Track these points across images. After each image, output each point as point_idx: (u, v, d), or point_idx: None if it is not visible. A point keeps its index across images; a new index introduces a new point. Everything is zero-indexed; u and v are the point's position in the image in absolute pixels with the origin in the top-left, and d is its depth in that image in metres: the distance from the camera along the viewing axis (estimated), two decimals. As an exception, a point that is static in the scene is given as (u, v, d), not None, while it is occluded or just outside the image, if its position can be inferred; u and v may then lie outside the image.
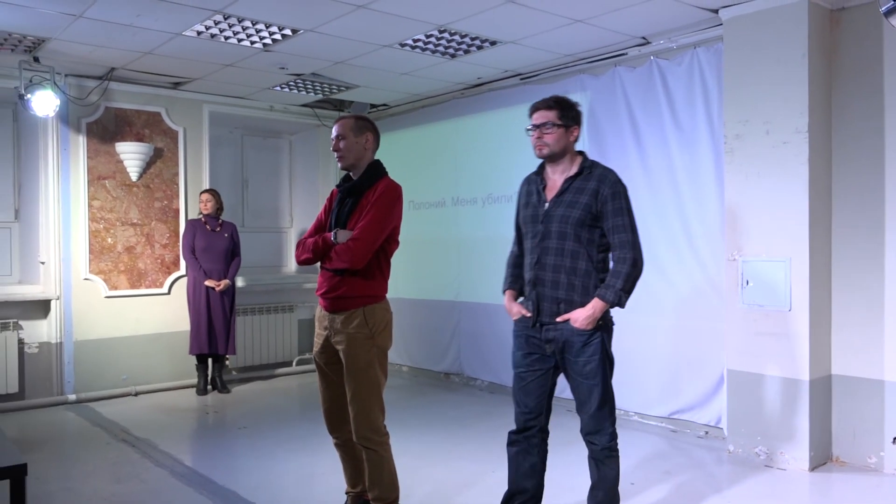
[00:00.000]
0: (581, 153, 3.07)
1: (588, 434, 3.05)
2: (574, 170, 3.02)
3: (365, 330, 3.09)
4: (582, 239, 2.94)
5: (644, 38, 5.12)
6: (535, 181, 3.12)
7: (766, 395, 4.36)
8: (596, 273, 2.96)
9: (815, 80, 4.21)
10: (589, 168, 3.01)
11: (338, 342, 3.13)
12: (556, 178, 3.05)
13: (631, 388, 5.32)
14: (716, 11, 4.54)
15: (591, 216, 2.93)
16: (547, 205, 3.02)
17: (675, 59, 5.08)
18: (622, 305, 2.92)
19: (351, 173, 3.24)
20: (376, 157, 3.27)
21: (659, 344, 5.17)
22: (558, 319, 2.94)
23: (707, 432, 4.95)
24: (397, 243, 3.22)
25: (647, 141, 5.26)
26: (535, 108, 3.04)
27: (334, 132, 3.18)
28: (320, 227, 3.26)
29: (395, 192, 3.15)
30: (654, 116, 5.20)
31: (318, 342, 3.25)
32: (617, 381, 5.36)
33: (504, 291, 3.21)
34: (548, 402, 3.12)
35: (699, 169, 4.94)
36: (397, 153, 7.41)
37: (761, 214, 4.36)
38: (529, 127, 3.03)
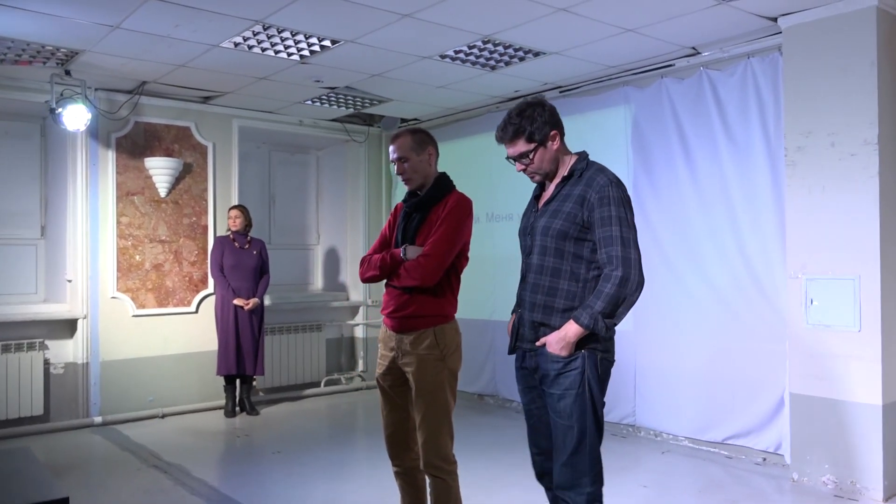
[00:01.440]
0: (580, 153, 2.68)
1: (559, 489, 2.55)
2: (565, 172, 2.64)
3: (436, 351, 2.92)
4: (565, 254, 2.54)
5: (694, 48, 4.94)
6: (537, 187, 2.79)
7: (834, 420, 4.13)
8: (585, 294, 2.54)
9: (885, 90, 4.02)
10: (581, 170, 2.60)
11: (406, 364, 2.96)
12: (552, 184, 2.70)
13: (681, 412, 5.11)
14: (774, 20, 4.37)
15: (576, 227, 2.52)
16: (536, 214, 2.68)
17: (726, 70, 4.90)
18: (601, 332, 2.45)
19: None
20: (443, 167, 3.11)
21: (712, 365, 4.94)
22: (537, 344, 2.59)
23: (765, 459, 4.71)
24: (467, 259, 3.05)
25: (697, 155, 5.06)
26: (499, 141, 2.66)
27: (394, 154, 3.02)
28: (384, 244, 3.09)
29: (466, 206, 2.99)
30: (705, 129, 5.01)
31: (382, 364, 3.07)
32: (666, 405, 5.26)
33: (512, 314, 2.85)
34: None
35: (755, 183, 4.74)
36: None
37: (827, 230, 4.15)
38: (508, 157, 2.69)
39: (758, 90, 4.73)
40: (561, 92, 5.96)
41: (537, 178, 2.68)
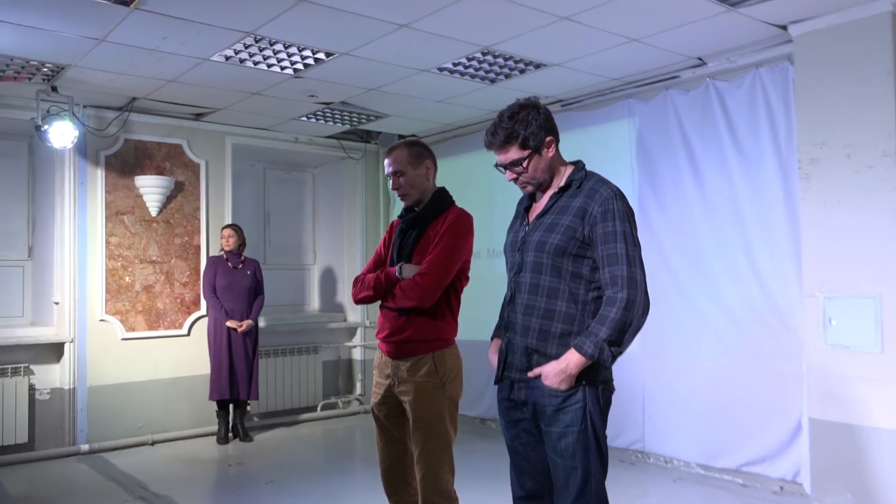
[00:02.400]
0: (576, 162, 2.46)
1: None
2: (562, 183, 2.41)
3: (435, 378, 2.73)
4: (563, 272, 2.29)
5: (700, 58, 4.78)
6: (524, 199, 2.54)
7: (856, 447, 3.91)
8: (584, 318, 2.31)
9: (903, 99, 3.84)
10: (579, 181, 2.37)
11: (403, 392, 2.76)
12: (544, 195, 2.46)
13: (693, 437, 4.88)
14: (784, 28, 4.21)
15: (575, 243, 2.28)
16: (527, 228, 2.43)
17: (734, 81, 4.74)
18: (606, 362, 2.22)
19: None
20: (440, 185, 2.93)
21: (725, 388, 4.72)
22: (529, 375, 2.33)
23: (782, 487, 4.48)
24: (468, 279, 2.85)
25: (705, 169, 4.88)
26: (488, 147, 2.42)
27: (389, 168, 2.84)
28: (379, 262, 2.90)
29: (466, 222, 2.81)
30: (713, 142, 4.84)
31: (377, 392, 2.87)
32: (677, 430, 5.02)
33: (492, 339, 2.59)
34: (549, 481, 2.39)
35: (766, 198, 4.55)
36: (427, 186, 7.09)
37: (845, 245, 3.96)
38: (496, 165, 2.45)
39: (767, 101, 4.56)
40: (563, 106, 5.80)
41: (529, 188, 2.44)
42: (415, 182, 2.83)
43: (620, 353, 2.27)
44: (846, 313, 3.94)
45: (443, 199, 2.86)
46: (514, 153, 2.36)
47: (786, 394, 4.41)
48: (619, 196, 2.33)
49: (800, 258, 4.28)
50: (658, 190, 5.15)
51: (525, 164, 2.38)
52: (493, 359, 2.52)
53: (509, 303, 2.45)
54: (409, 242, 2.81)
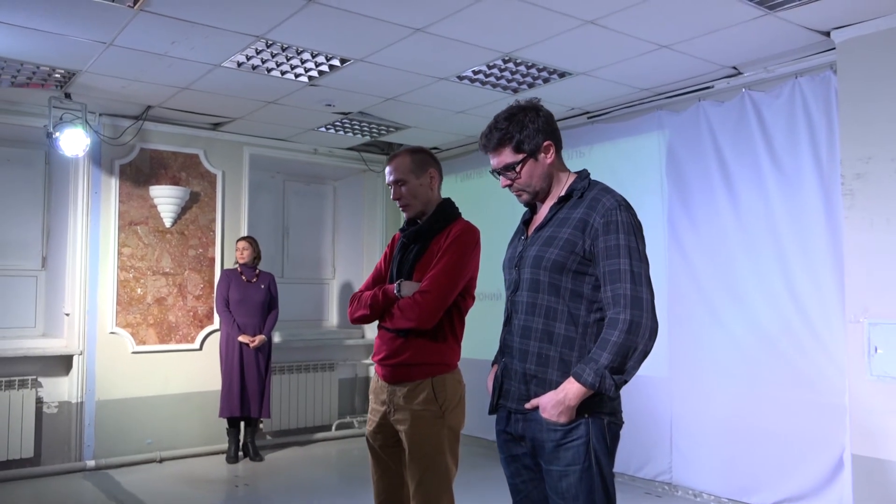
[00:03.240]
0: (580, 172, 2.24)
1: None
2: (562, 192, 2.20)
3: (433, 406, 2.50)
4: (562, 291, 2.08)
5: (735, 67, 4.52)
6: (527, 212, 2.34)
7: (905, 488, 3.58)
8: (585, 341, 2.08)
9: (958, 109, 3.54)
10: (581, 190, 2.16)
11: (399, 421, 2.53)
12: (544, 206, 2.25)
13: (725, 470, 4.57)
14: (827, 34, 3.93)
15: (575, 258, 2.07)
16: (525, 242, 2.23)
17: (771, 91, 4.46)
18: (609, 392, 1.98)
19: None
20: (445, 196, 2.71)
21: (759, 418, 4.40)
22: (526, 406, 2.10)
23: (822, 528, 4.14)
24: (473, 298, 2.64)
25: (739, 185, 4.60)
26: (483, 149, 2.24)
27: (390, 176, 2.63)
28: (379, 279, 2.69)
29: (472, 236, 2.59)
30: (748, 156, 4.55)
31: (372, 420, 2.64)
32: (707, 461, 4.67)
33: (492, 364, 2.34)
34: None
35: (806, 215, 4.25)
36: (449, 199, 6.88)
37: (893, 267, 3.64)
38: (492, 171, 2.27)
39: (808, 113, 4.27)
40: (589, 118, 5.56)
41: (524, 196, 2.23)
42: (417, 192, 2.62)
43: (625, 381, 2.02)
44: (893, 341, 3.62)
45: (447, 210, 2.64)
46: (507, 156, 2.18)
47: (826, 427, 4.09)
48: (624, 206, 2.10)
49: (842, 281, 3.97)
50: (689, 207, 4.87)
51: (518, 169, 2.18)
52: (490, 385, 2.29)
53: (506, 324, 2.24)
54: (409, 258, 2.59)
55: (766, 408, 4.38)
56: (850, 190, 3.83)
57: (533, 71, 4.60)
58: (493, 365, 2.33)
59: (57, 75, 4.73)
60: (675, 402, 4.85)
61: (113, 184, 5.76)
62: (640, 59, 4.34)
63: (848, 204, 3.84)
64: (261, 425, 6.23)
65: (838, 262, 4.03)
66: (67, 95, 5.14)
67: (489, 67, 4.53)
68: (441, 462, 2.50)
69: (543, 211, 2.24)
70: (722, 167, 4.69)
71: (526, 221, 2.33)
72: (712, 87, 4.77)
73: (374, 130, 6.26)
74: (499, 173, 2.24)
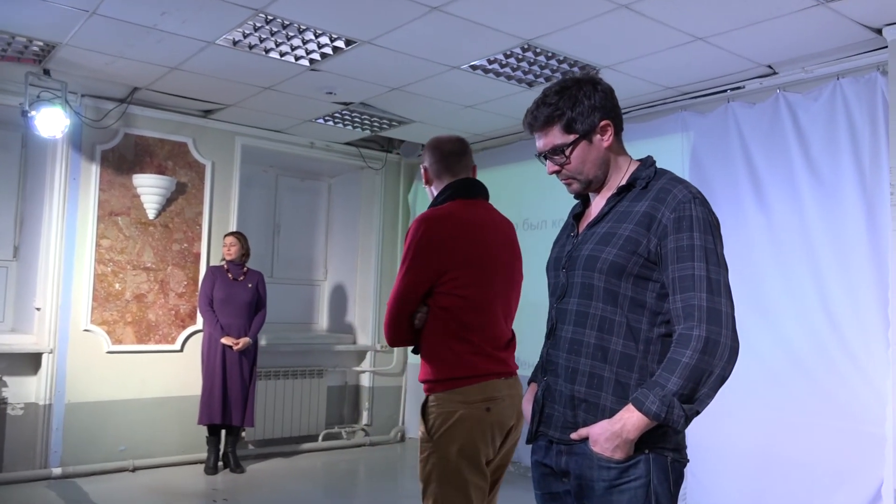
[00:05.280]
0: (644, 159, 1.91)
1: None
2: (623, 181, 1.86)
3: (423, 429, 2.30)
4: (620, 299, 1.75)
5: (770, 66, 4.20)
6: (578, 205, 2.01)
7: (957, 531, 3.24)
8: (647, 362, 1.74)
9: None
10: (646, 179, 1.81)
11: None
12: (600, 198, 1.91)
13: (744, 499, 4.22)
14: (879, 31, 3.62)
15: (638, 260, 1.74)
16: (576, 240, 1.89)
17: (809, 93, 4.14)
18: (677, 425, 1.65)
19: None
20: (453, 180, 2.56)
21: (787, 446, 4.06)
22: (573, 436, 1.76)
23: (854, 568, 3.80)
24: (462, 298, 2.34)
25: (770, 193, 4.27)
26: (528, 128, 1.91)
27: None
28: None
29: (417, 231, 2.35)
30: (781, 163, 4.22)
31: None
32: (726, 489, 4.31)
33: (529, 383, 2.01)
34: None
35: (845, 228, 3.92)
36: (451, 201, 6.52)
37: (949, 288, 3.33)
38: (538, 154, 1.93)
39: (849, 116, 3.95)
40: (606, 117, 5.22)
41: (575, 185, 1.90)
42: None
43: (696, 412, 1.67)
44: (948, 369, 3.30)
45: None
46: (556, 136, 1.84)
47: (863, 457, 3.75)
48: (700, 200, 1.76)
49: (884, 300, 3.66)
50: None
51: (568, 153, 1.84)
52: (528, 409, 1.93)
53: (549, 336, 1.88)
54: None
55: (793, 435, 4.04)
56: (900, 201, 3.52)
57: (552, 63, 4.26)
58: (529, 384, 1.97)
59: (35, 48, 4.34)
60: (693, 424, 4.49)
61: (93, 170, 5.35)
62: (671, 53, 4.01)
63: (897, 216, 3.53)
64: (243, 434, 5.83)
65: (881, 280, 3.71)
66: (46, 72, 4.74)
67: (506, 56, 4.18)
68: (431, 494, 2.23)
69: (599, 203, 1.89)
70: (751, 174, 4.36)
71: (577, 216, 1.97)
72: (743, 87, 4.45)
73: (376, 124, 5.90)
74: (545, 157, 1.89)
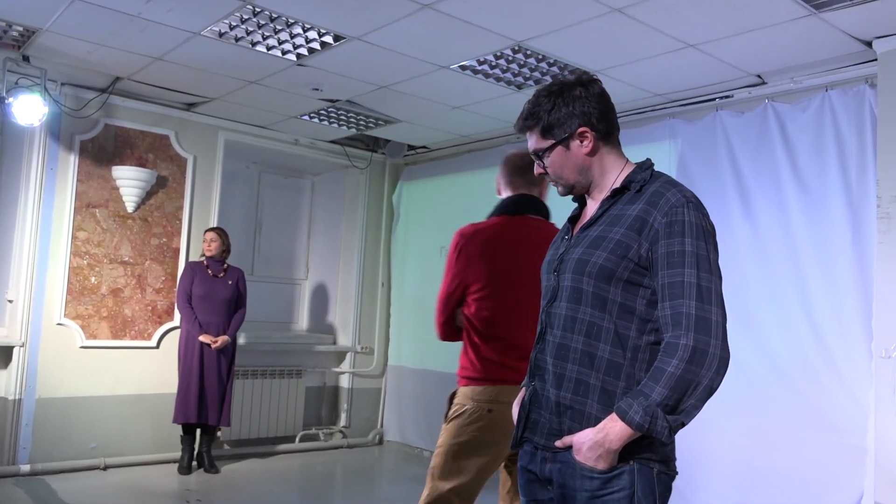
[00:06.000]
0: (642, 162, 1.85)
1: None
2: (617, 184, 1.81)
3: (445, 413, 2.70)
4: (609, 304, 1.70)
5: (759, 76, 4.20)
6: (575, 208, 1.97)
7: (935, 545, 3.24)
8: (634, 370, 1.70)
9: None
10: (641, 182, 1.76)
11: None
12: (593, 201, 1.87)
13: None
14: (868, 44, 3.63)
15: (628, 264, 1.69)
16: (570, 242, 1.85)
17: (798, 104, 4.14)
18: (662, 436, 1.60)
19: None
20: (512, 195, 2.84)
21: (768, 457, 4.05)
22: (557, 444, 1.73)
23: (832, 581, 3.79)
24: (477, 305, 2.65)
25: (757, 203, 4.26)
26: (515, 127, 1.94)
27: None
28: None
29: (453, 242, 2.73)
30: (768, 173, 4.22)
31: None
32: (706, 500, 4.35)
33: (522, 386, 1.95)
34: None
35: (830, 239, 3.92)
36: (436, 204, 6.48)
37: (933, 301, 3.33)
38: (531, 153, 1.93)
39: (837, 129, 3.96)
40: (594, 123, 5.20)
41: (560, 188, 1.90)
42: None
43: (682, 424, 1.62)
44: (930, 382, 3.30)
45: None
46: (535, 141, 1.86)
47: (843, 470, 3.75)
48: (694, 204, 1.71)
49: (868, 312, 3.66)
50: (700, 223, 4.53)
51: (545, 158, 1.85)
52: (516, 412, 1.89)
53: (538, 341, 1.83)
54: None
55: (775, 446, 4.03)
56: (886, 213, 3.52)
57: (542, 65, 4.23)
58: (521, 387, 1.93)
59: (14, 33, 4.23)
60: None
61: (72, 160, 5.24)
62: (661, 59, 3.99)
63: (883, 228, 3.53)
64: (218, 434, 5.73)
65: (865, 292, 3.72)
66: (25, 58, 4.63)
67: (496, 57, 4.15)
68: (437, 465, 2.62)
69: (593, 206, 1.85)
70: (738, 182, 4.36)
71: (573, 219, 1.93)
72: (732, 96, 4.45)
73: (362, 123, 5.83)
74: (534, 157, 1.90)
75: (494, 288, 2.62)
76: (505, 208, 2.75)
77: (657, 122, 4.84)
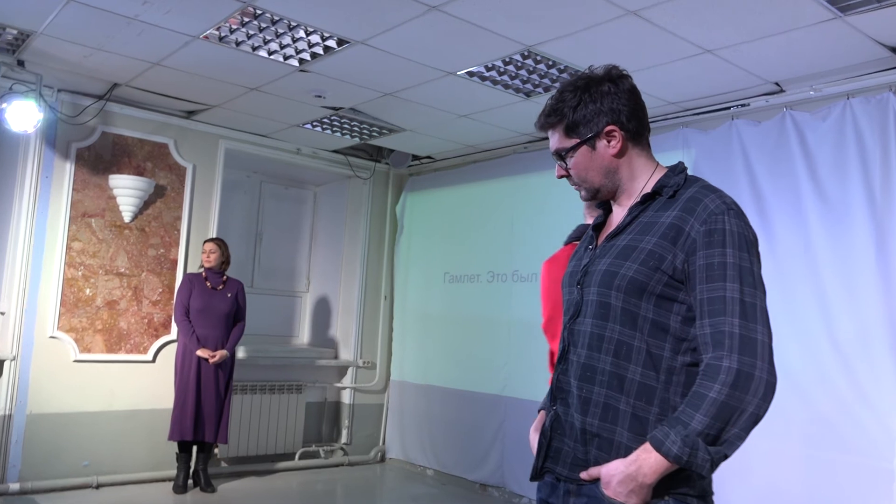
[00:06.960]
0: (675, 165, 1.69)
1: None
2: (647, 188, 1.65)
3: None
4: (640, 321, 1.54)
5: (778, 83, 4.06)
6: (600, 215, 1.81)
7: (971, 577, 3.06)
8: (668, 394, 1.54)
9: None
10: (674, 187, 1.60)
11: None
12: (621, 207, 1.72)
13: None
14: (893, 50, 3.48)
15: (661, 277, 1.53)
16: (595, 252, 1.69)
17: (817, 113, 4.00)
18: (701, 469, 1.43)
19: None
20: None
21: (788, 483, 3.87)
22: (583, 476, 1.55)
23: None
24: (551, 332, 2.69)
25: (775, 216, 4.10)
26: (536, 125, 1.76)
27: None
28: None
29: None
30: (787, 184, 4.07)
31: None
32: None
33: (539, 410, 1.80)
34: None
35: (853, 254, 3.76)
36: (441, 215, 6.34)
37: (966, 319, 3.16)
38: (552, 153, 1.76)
39: (860, 138, 3.80)
40: (604, 132, 5.06)
41: (583, 192, 1.73)
42: None
43: (725, 456, 1.45)
44: (964, 404, 3.13)
45: None
46: (558, 139, 1.69)
47: (870, 493, 3.57)
48: (735, 211, 1.55)
49: (894, 330, 3.49)
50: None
51: (569, 158, 1.68)
52: (534, 439, 1.72)
53: (560, 360, 1.67)
54: None
55: (797, 469, 3.85)
56: (914, 226, 3.36)
57: (553, 72, 4.09)
58: (539, 411, 1.76)
59: (8, 36, 4.11)
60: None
61: (67, 169, 5.10)
62: (677, 65, 3.85)
63: (911, 241, 3.37)
64: (215, 451, 5.56)
65: (890, 308, 3.56)
66: (20, 63, 4.51)
67: (505, 63, 4.01)
68: None
69: (620, 213, 1.70)
70: (755, 194, 4.20)
71: (597, 226, 1.78)
72: (748, 104, 4.30)
73: (365, 132, 5.70)
74: (555, 158, 1.73)
75: (559, 313, 2.62)
76: (575, 235, 2.88)
77: (669, 131, 4.69)
